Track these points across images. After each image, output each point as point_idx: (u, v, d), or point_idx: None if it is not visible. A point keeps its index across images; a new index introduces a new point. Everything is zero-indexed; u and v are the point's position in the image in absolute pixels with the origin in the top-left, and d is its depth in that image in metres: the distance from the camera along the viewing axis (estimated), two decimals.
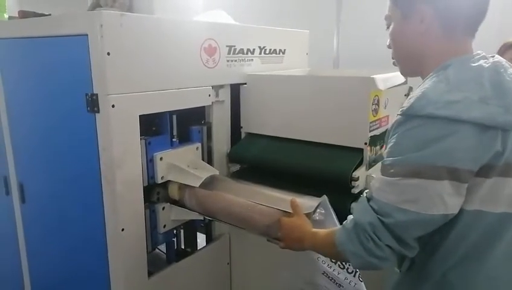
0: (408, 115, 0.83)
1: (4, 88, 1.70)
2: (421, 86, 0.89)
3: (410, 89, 2.00)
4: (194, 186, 1.44)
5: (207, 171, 1.51)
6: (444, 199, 0.80)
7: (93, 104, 1.28)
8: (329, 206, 1.23)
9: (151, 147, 1.44)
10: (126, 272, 1.39)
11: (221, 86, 1.68)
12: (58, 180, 1.56)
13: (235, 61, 1.71)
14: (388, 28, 1.00)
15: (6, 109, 1.70)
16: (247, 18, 2.05)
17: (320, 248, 1.05)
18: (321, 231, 1.05)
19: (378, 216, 0.85)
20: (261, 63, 1.86)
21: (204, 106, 1.64)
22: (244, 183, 1.56)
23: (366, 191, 0.94)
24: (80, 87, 1.30)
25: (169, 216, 1.55)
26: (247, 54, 1.77)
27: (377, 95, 1.52)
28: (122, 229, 1.35)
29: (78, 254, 1.56)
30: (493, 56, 0.89)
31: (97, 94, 1.26)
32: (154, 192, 1.53)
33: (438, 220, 0.83)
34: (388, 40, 1.02)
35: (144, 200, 1.42)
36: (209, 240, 1.83)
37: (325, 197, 1.26)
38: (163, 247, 1.69)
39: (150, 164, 1.44)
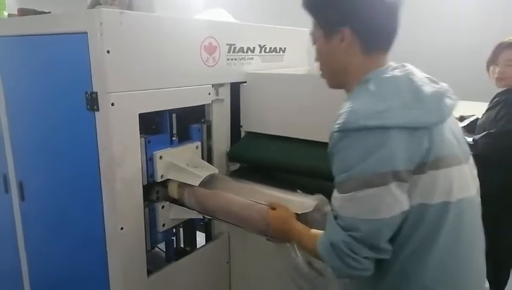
0: (344, 130, 0.89)
1: (3, 86, 1.69)
2: (347, 100, 0.96)
3: None
4: (194, 185, 1.44)
5: (206, 170, 1.51)
6: (398, 199, 0.88)
7: (92, 102, 1.27)
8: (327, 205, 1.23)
9: (150, 145, 1.44)
10: (125, 270, 1.39)
11: (221, 85, 1.68)
12: (57, 178, 1.55)
13: (235, 59, 1.71)
14: (314, 43, 1.09)
15: (6, 107, 1.70)
16: (248, 16, 2.05)
17: (306, 249, 1.10)
18: (306, 234, 1.10)
19: (348, 233, 0.90)
20: (261, 62, 1.86)
21: (204, 105, 1.64)
22: (243, 182, 1.56)
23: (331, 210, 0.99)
24: (79, 86, 1.30)
25: (169, 215, 1.54)
26: (247, 52, 1.76)
27: None
28: (122, 228, 1.35)
29: (77, 252, 1.56)
30: (404, 65, 1.00)
31: (97, 92, 1.26)
32: (154, 191, 1.52)
33: (399, 217, 0.90)
34: (314, 54, 1.10)
35: (144, 198, 1.42)
36: (208, 239, 1.83)
37: (321, 197, 1.26)
38: (162, 246, 1.69)
39: (149, 162, 1.44)
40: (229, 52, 1.67)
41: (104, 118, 1.27)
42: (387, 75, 0.96)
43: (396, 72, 0.96)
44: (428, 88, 0.94)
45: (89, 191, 1.38)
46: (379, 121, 0.86)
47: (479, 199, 1.02)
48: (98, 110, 1.27)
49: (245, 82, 1.77)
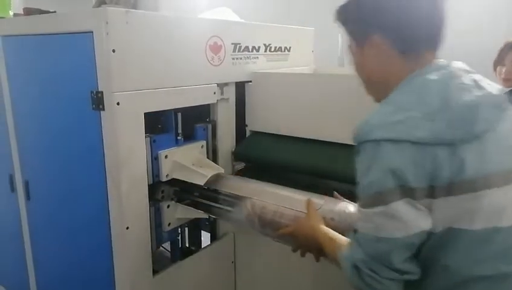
0: (358, 143, 0.86)
1: (10, 85, 1.70)
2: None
3: None
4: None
5: (212, 170, 1.50)
6: (410, 217, 0.80)
7: (98, 101, 1.27)
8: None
9: (156, 144, 1.43)
10: (131, 270, 1.39)
11: (226, 84, 1.67)
12: (63, 177, 1.56)
13: (240, 59, 1.71)
14: (353, 57, 1.02)
15: (12, 106, 1.70)
16: (253, 16, 2.04)
17: (331, 259, 1.02)
18: (329, 245, 1.03)
19: (364, 250, 0.85)
20: (266, 61, 1.85)
21: (209, 104, 1.64)
22: (248, 181, 1.55)
23: None
24: (85, 85, 1.30)
25: (174, 214, 1.54)
26: (252, 51, 1.76)
27: None
28: (127, 227, 1.35)
29: (83, 251, 1.56)
30: (446, 66, 0.89)
31: (102, 92, 1.26)
32: (159, 190, 1.52)
33: (417, 237, 0.82)
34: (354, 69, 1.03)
35: (149, 198, 1.42)
36: (213, 239, 1.83)
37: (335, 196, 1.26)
38: (167, 245, 1.69)
39: (154, 161, 1.44)
40: (234, 51, 1.66)
41: (110, 118, 1.27)
42: (419, 79, 0.87)
43: (432, 76, 0.86)
44: (466, 96, 0.81)
45: (95, 191, 1.38)
46: (392, 134, 0.79)
47: None
48: (103, 109, 1.27)
49: (250, 81, 1.77)
